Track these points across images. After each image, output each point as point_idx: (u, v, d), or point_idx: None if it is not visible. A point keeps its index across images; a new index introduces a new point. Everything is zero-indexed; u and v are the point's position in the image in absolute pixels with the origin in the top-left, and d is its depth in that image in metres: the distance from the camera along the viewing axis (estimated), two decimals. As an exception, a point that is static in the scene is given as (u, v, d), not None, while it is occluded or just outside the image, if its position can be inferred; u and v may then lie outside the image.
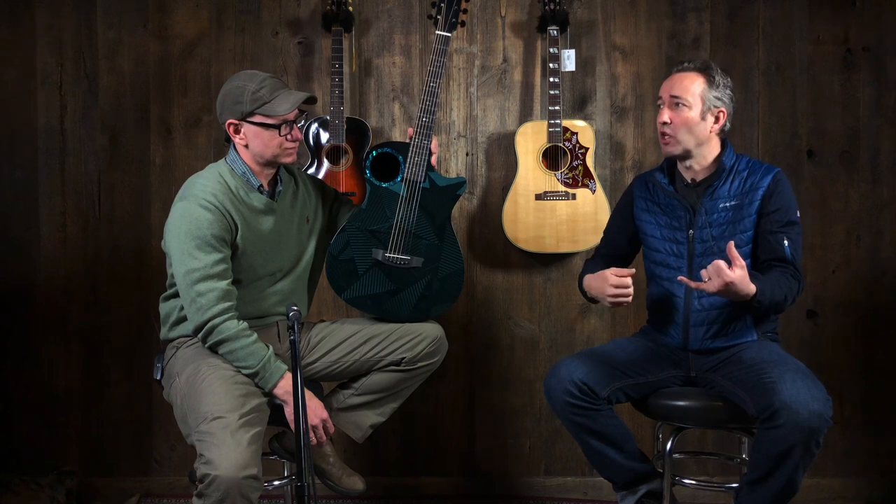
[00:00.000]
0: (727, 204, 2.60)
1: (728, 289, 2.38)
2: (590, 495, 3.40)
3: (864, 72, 3.34)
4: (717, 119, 2.61)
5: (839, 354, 3.38)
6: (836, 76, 3.34)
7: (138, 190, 3.37)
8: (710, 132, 2.61)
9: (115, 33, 3.35)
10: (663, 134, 2.63)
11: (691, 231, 2.63)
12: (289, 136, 2.52)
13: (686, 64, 2.66)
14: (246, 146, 2.53)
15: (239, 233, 2.50)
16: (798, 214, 2.61)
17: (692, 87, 2.59)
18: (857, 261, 3.37)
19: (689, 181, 2.66)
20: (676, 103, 2.60)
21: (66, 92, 3.36)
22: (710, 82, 2.60)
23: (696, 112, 2.59)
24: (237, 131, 2.52)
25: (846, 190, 3.36)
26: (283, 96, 2.50)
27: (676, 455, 2.81)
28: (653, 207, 2.72)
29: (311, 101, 2.56)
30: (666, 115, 2.62)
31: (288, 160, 2.57)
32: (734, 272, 2.36)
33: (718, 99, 2.60)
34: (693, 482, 2.77)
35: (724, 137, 2.67)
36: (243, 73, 2.55)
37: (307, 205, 2.71)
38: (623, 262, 2.83)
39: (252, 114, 2.49)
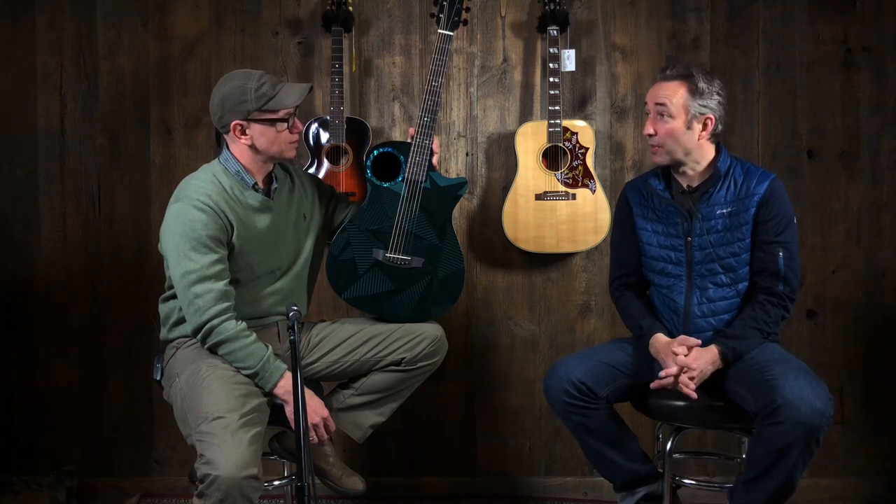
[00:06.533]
0: (724, 210, 2.56)
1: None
2: (590, 495, 3.39)
3: (864, 72, 3.34)
4: (704, 126, 2.56)
5: (839, 354, 3.38)
6: (836, 76, 3.34)
7: (138, 190, 3.37)
8: (700, 139, 2.56)
9: (115, 33, 3.35)
10: (651, 144, 2.61)
11: (689, 238, 2.60)
12: (292, 129, 2.54)
13: (668, 71, 2.59)
14: (250, 146, 2.53)
15: (234, 232, 2.49)
16: (795, 221, 2.59)
17: (674, 97, 2.54)
18: (857, 261, 3.37)
19: (686, 187, 2.63)
20: (660, 113, 2.56)
21: (66, 92, 3.36)
22: (693, 90, 2.54)
23: (681, 122, 2.54)
24: (243, 132, 2.51)
25: (846, 190, 3.36)
26: (286, 89, 2.52)
27: (676, 455, 2.81)
28: (649, 214, 2.68)
29: (311, 90, 2.59)
30: (650, 127, 2.58)
31: (291, 154, 2.58)
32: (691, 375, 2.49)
33: (704, 106, 2.54)
34: (693, 482, 2.77)
35: (718, 141, 2.62)
36: (236, 74, 2.54)
37: (304, 202, 2.70)
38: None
39: (260, 110, 2.48)
